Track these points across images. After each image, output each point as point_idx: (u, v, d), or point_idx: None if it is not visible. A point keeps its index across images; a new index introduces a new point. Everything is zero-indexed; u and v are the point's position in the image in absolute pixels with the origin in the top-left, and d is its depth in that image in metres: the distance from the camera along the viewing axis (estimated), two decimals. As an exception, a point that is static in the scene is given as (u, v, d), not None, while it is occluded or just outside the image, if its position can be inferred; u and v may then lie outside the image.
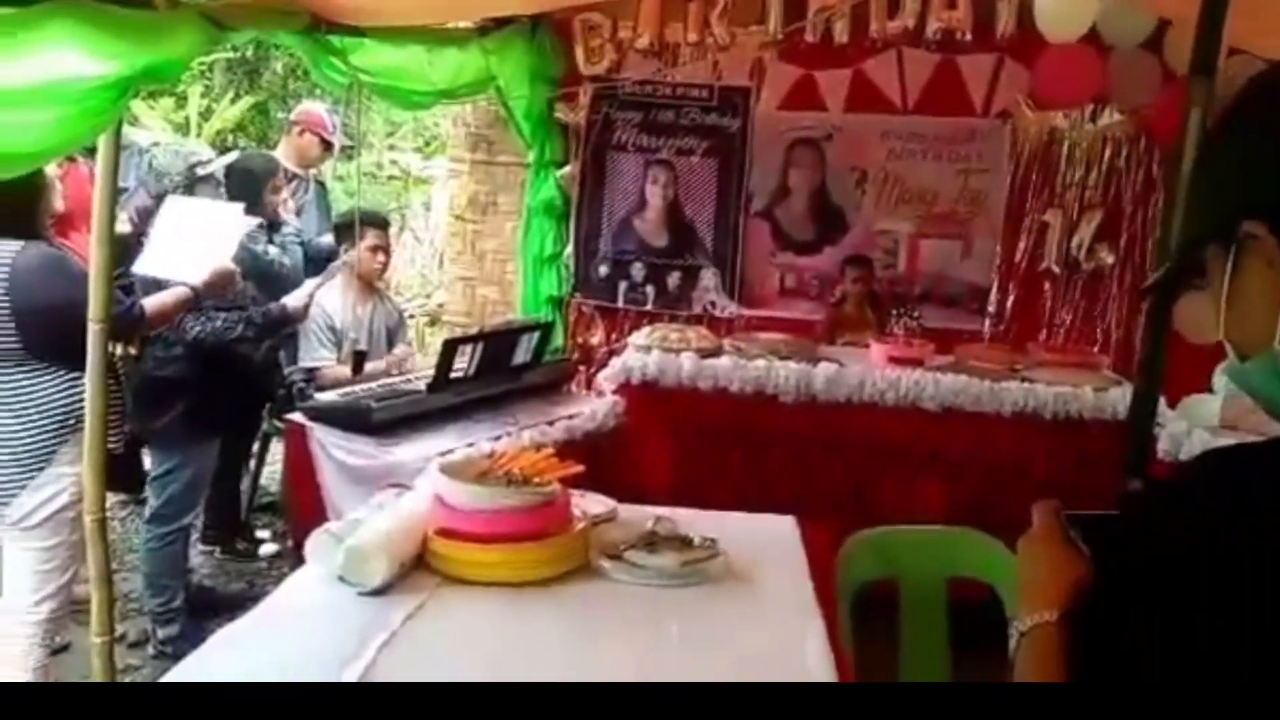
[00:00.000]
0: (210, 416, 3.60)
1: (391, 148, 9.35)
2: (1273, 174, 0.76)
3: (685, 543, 2.03)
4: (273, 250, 3.94)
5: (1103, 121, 4.67)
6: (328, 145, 4.83)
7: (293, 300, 3.73)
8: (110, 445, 2.77)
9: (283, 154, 4.72)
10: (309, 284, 3.83)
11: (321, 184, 5.09)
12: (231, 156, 3.92)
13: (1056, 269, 4.74)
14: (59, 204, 3.08)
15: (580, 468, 2.13)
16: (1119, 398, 3.57)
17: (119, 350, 3.30)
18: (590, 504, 2.21)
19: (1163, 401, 3.27)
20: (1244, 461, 0.75)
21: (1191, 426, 3.43)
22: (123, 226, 3.55)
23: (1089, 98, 4.54)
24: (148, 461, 3.75)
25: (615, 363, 3.90)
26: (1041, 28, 4.36)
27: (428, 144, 9.43)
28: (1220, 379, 3.79)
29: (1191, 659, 0.69)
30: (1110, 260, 4.67)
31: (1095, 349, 4.54)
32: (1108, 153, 4.67)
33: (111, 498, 3.43)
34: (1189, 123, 2.53)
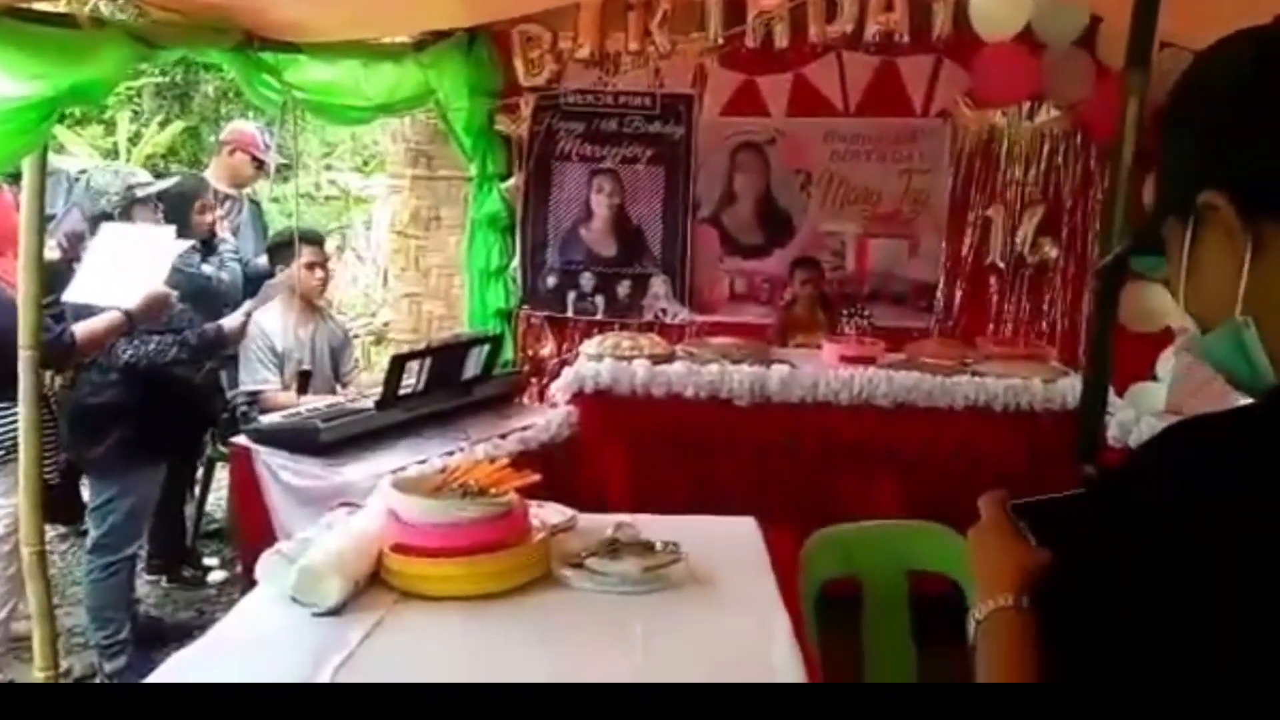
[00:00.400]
0: (149, 443, 3.50)
1: (329, 167, 9.23)
2: (1228, 144, 0.76)
3: (647, 548, 2.00)
4: (208, 269, 3.85)
5: (1040, 119, 4.75)
6: (260, 164, 4.73)
7: (229, 321, 3.66)
8: (45, 475, 2.68)
9: (214, 174, 4.62)
10: (245, 305, 3.75)
11: (256, 203, 4.99)
12: (169, 180, 3.82)
13: (1001, 264, 4.80)
14: (-18, 230, 2.99)
15: (537, 477, 2.09)
16: (1067, 388, 3.61)
17: (51, 380, 3.21)
18: (549, 513, 2.18)
19: (1110, 390, 3.32)
20: (1209, 431, 0.74)
21: (1139, 414, 3.48)
22: (52, 253, 3.46)
23: (1025, 95, 4.61)
24: (86, 492, 3.64)
25: (567, 372, 3.86)
26: (977, 27, 4.42)
27: (366, 163, 9.32)
28: (1165, 366, 3.86)
29: (1164, 636, 0.68)
30: (1053, 254, 4.74)
31: (1042, 341, 4.60)
32: (1046, 149, 4.74)
33: (50, 530, 3.32)
34: (1127, 112, 2.58)
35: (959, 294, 4.87)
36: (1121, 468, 0.79)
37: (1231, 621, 0.65)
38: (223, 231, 4.07)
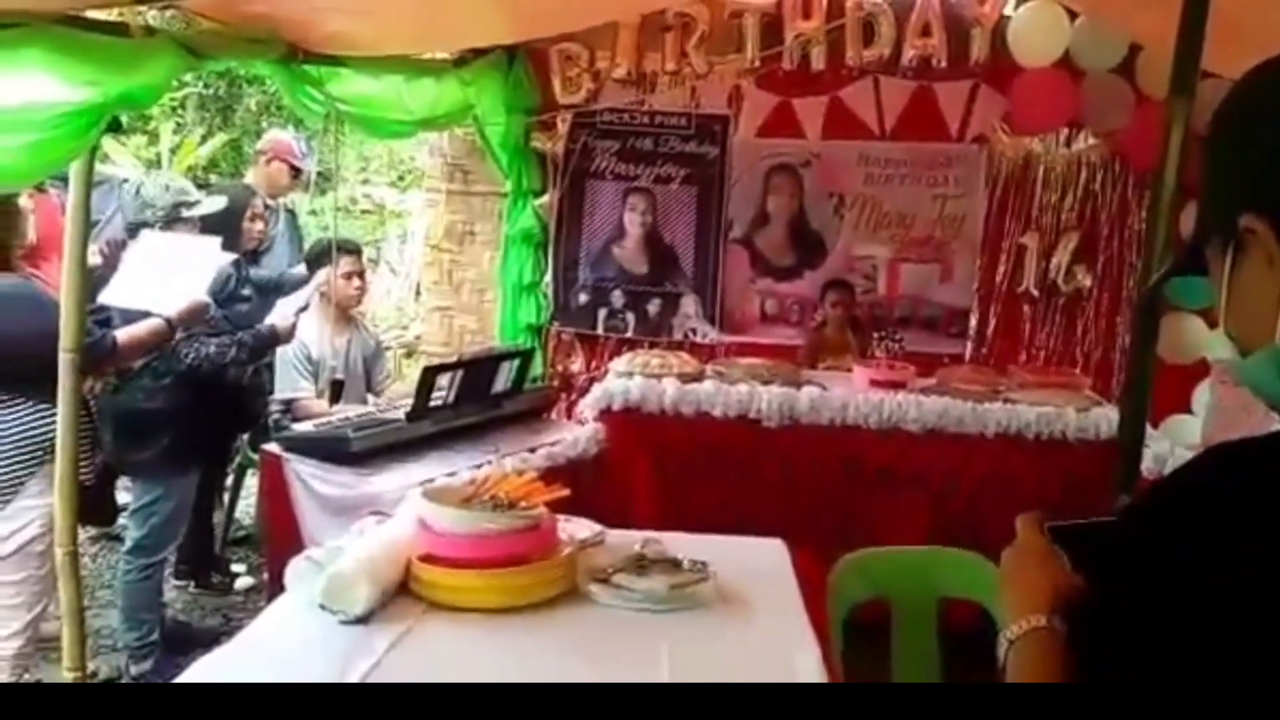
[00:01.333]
0: (194, 446, 3.55)
1: (365, 182, 9.34)
2: (1269, 168, 0.76)
3: (675, 566, 2.00)
4: (250, 281, 3.88)
5: (1077, 146, 4.73)
6: (297, 173, 4.79)
7: (280, 320, 3.68)
8: (81, 477, 2.71)
9: (252, 183, 4.69)
10: (289, 303, 3.77)
11: (292, 213, 5.05)
12: (218, 202, 3.82)
13: (1035, 291, 4.76)
14: (30, 234, 3.04)
15: (566, 491, 2.09)
16: (1101, 417, 3.57)
17: (91, 383, 3.25)
18: (577, 528, 2.17)
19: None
20: (1245, 455, 0.74)
21: (1174, 445, 3.44)
22: (93, 258, 3.50)
23: (1063, 122, 4.59)
24: (122, 494, 3.68)
25: (596, 389, 3.87)
26: (1015, 54, 4.42)
27: (401, 178, 9.41)
28: (1201, 398, 3.81)
29: (1195, 665, 0.67)
30: (1088, 282, 4.71)
31: (1075, 370, 4.56)
32: (1083, 176, 4.72)
33: (83, 532, 3.36)
34: (1170, 141, 2.57)
35: (992, 320, 4.84)
36: (1158, 492, 0.79)
37: (1263, 652, 0.65)
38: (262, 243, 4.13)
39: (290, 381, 3.75)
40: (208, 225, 3.67)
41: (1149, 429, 3.43)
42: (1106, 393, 4.12)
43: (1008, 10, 4.53)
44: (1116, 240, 4.70)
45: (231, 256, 3.63)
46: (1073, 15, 4.33)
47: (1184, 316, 3.78)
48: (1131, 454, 2.71)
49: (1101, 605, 0.84)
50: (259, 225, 4.05)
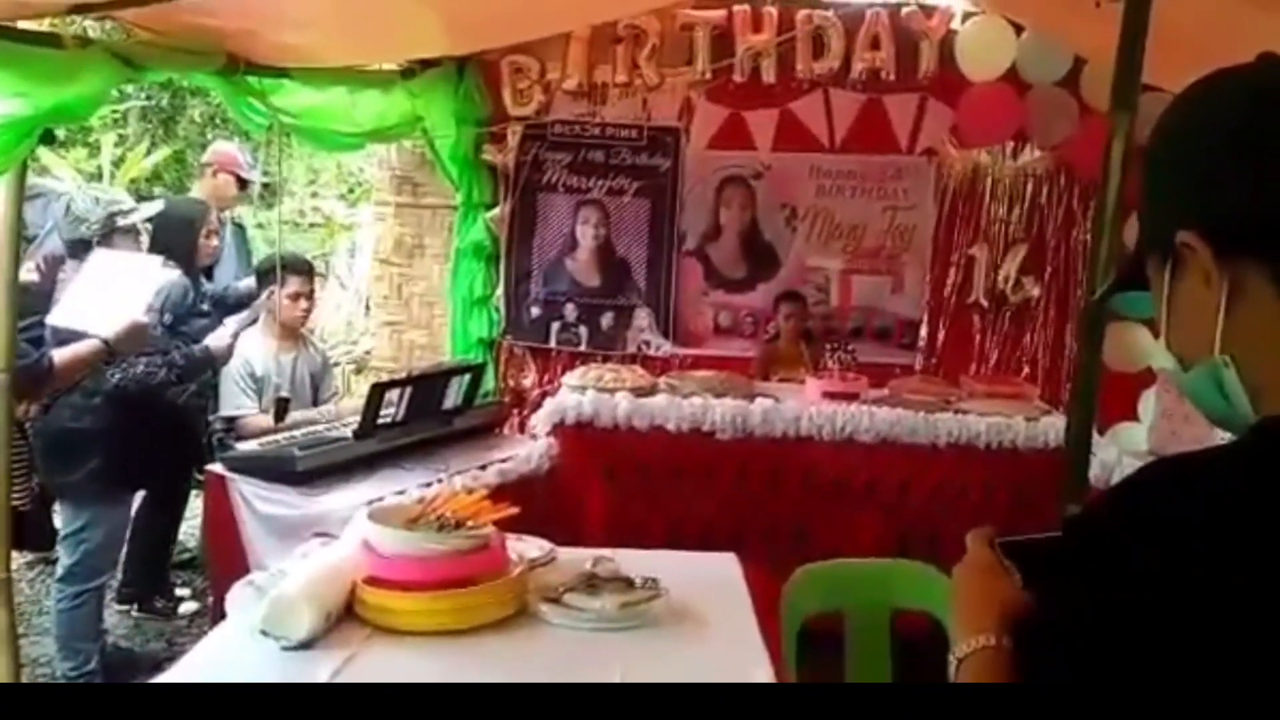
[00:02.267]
0: (127, 470, 3.45)
1: (314, 194, 9.20)
2: (1205, 185, 0.76)
3: (626, 583, 1.97)
4: (209, 297, 3.81)
5: (1024, 158, 4.79)
6: (243, 184, 4.70)
7: (215, 341, 3.60)
8: (15, 501, 2.63)
9: (197, 196, 4.60)
10: (230, 324, 3.70)
11: (239, 226, 4.95)
12: (156, 206, 3.76)
13: (984, 302, 4.82)
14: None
15: (514, 510, 2.06)
16: (1050, 426, 3.61)
17: (25, 405, 3.15)
18: (527, 547, 2.14)
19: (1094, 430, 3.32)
20: (1194, 469, 0.73)
21: (1121, 453, 3.48)
22: (29, 275, 3.41)
23: (1010, 135, 4.66)
24: (58, 518, 3.57)
25: (549, 404, 3.83)
26: (962, 67, 4.47)
27: (351, 190, 9.29)
28: (1147, 406, 3.86)
29: (1134, 680, 0.67)
30: (1036, 292, 4.77)
31: (1025, 379, 4.61)
32: (1030, 188, 4.79)
33: (19, 557, 3.26)
34: (1111, 155, 2.60)
35: (942, 331, 4.88)
36: (1101, 507, 0.78)
37: (1204, 662, 0.64)
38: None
39: (233, 400, 3.66)
40: (162, 243, 3.59)
41: (1096, 437, 3.48)
42: (1055, 401, 4.17)
43: (955, 24, 4.59)
44: (1063, 251, 4.77)
45: (177, 273, 3.55)
46: (1019, 29, 4.39)
47: (1130, 326, 3.83)
48: (1079, 462, 2.73)
49: (1045, 624, 0.83)
50: (214, 241, 3.97)
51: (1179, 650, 0.65)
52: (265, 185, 5.35)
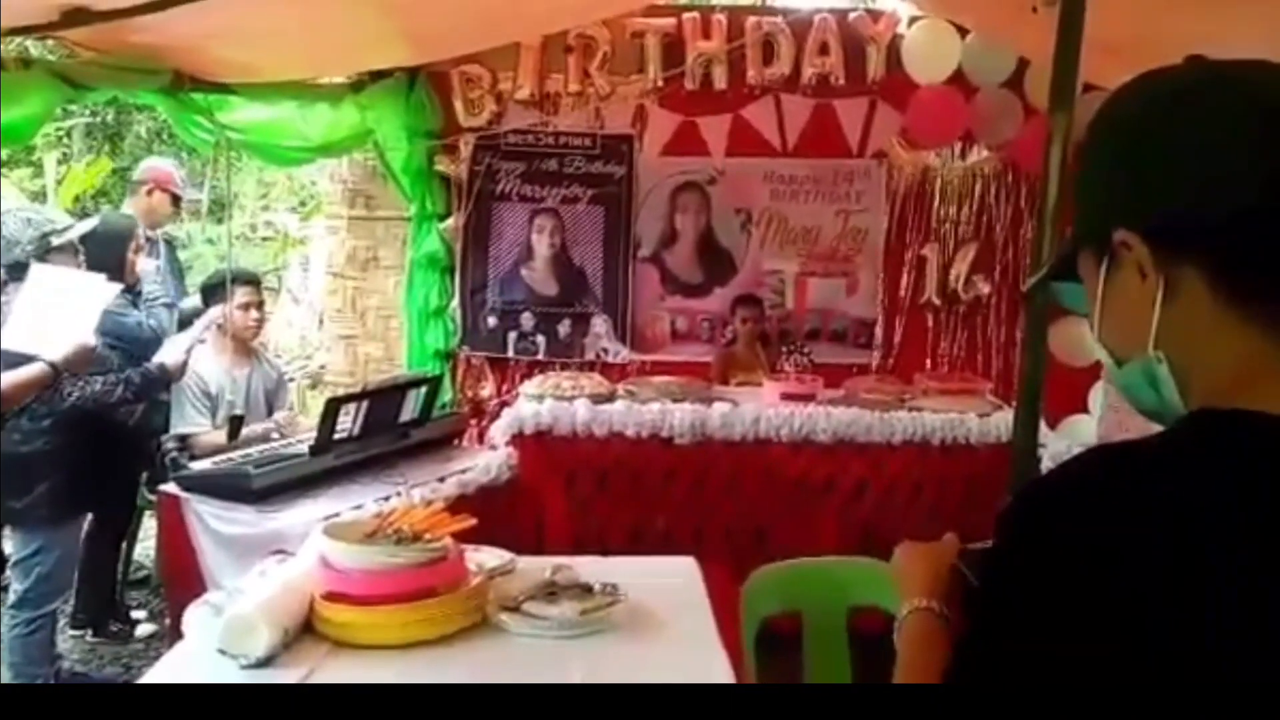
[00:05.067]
0: (80, 492, 3.39)
1: (265, 208, 9.11)
2: (1142, 185, 0.77)
3: (586, 590, 1.97)
4: (135, 315, 3.73)
5: (972, 159, 4.87)
6: (177, 201, 4.61)
7: (169, 358, 3.53)
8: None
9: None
10: (182, 339, 3.64)
11: (170, 244, 4.83)
12: (90, 222, 3.68)
13: (937, 301, 4.89)
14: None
15: (471, 521, 2.05)
16: (1002, 421, 3.66)
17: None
18: (485, 557, 2.14)
19: (1043, 423, 3.37)
20: (1127, 457, 0.75)
21: (1071, 446, 3.54)
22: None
23: (957, 136, 4.73)
24: (7, 544, 3.50)
25: (507, 413, 3.82)
26: (910, 70, 4.54)
27: (303, 203, 9.21)
28: (1096, 398, 3.94)
29: (1076, 659, 0.68)
30: (987, 290, 4.85)
31: (978, 375, 4.67)
32: (978, 188, 4.87)
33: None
34: (1050, 156, 2.65)
35: (897, 331, 4.94)
36: (1034, 493, 0.79)
37: (1122, 630, 0.66)
38: (147, 277, 3.95)
39: (186, 417, 3.62)
40: (94, 260, 3.52)
41: (1047, 430, 3.54)
42: (1008, 397, 4.22)
43: (901, 29, 4.66)
44: (1012, 248, 4.86)
45: (119, 287, 3.49)
46: (963, 32, 4.47)
47: (1078, 321, 3.90)
48: (1026, 455, 2.78)
49: (976, 591, 0.86)
50: (141, 257, 3.90)
51: (1099, 617, 0.67)
52: (213, 201, 5.27)
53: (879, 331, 4.96)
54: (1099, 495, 0.72)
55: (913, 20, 4.63)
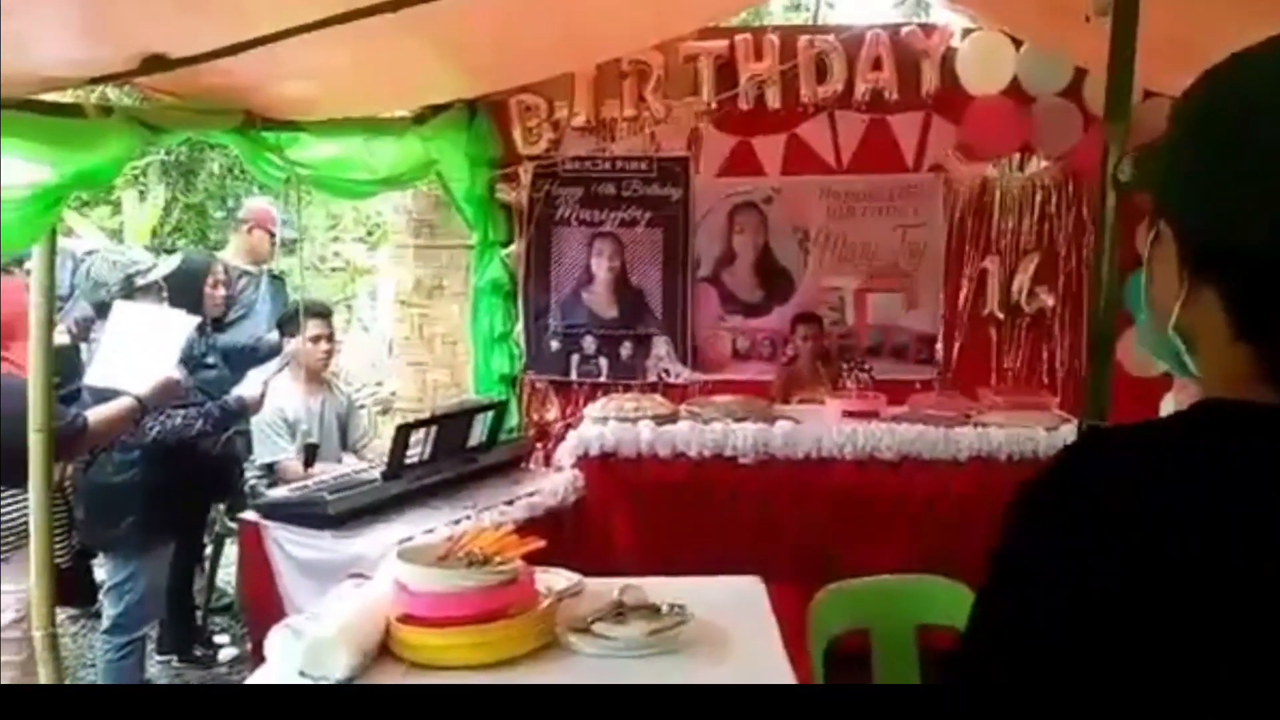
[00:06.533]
0: (165, 520, 3.52)
1: (335, 239, 9.32)
2: (1185, 191, 0.77)
3: (653, 611, 2.00)
4: (217, 349, 3.87)
5: (1031, 169, 4.83)
6: (273, 238, 4.81)
7: (248, 390, 3.67)
8: (56, 559, 2.70)
9: (233, 252, 4.71)
10: (259, 373, 3.78)
11: (277, 278, 5.03)
12: (172, 261, 3.85)
13: (999, 313, 4.84)
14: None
15: (541, 543, 2.10)
16: (1070, 435, 3.61)
17: (62, 465, 3.22)
18: (555, 579, 2.18)
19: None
20: (1118, 441, 0.77)
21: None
22: (61, 337, 3.49)
23: (1015, 147, 4.69)
24: (99, 572, 3.65)
25: (572, 436, 3.88)
26: (964, 82, 4.52)
27: (370, 233, 9.41)
28: (1166, 409, 3.86)
29: (1076, 659, 0.70)
30: (1050, 301, 4.79)
31: (1043, 389, 4.61)
32: (1038, 198, 4.81)
33: (62, 612, 3.33)
34: (1107, 167, 2.62)
35: (958, 345, 4.90)
36: (1036, 482, 0.81)
37: (1120, 638, 0.68)
38: (227, 310, 4.12)
39: (269, 446, 3.73)
40: (174, 289, 3.67)
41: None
42: (1076, 410, 4.17)
43: (955, 41, 4.64)
44: (1075, 259, 4.79)
45: (198, 320, 3.63)
46: (1018, 43, 4.44)
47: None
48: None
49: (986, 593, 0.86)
50: (221, 292, 4.06)
51: (1099, 617, 0.69)
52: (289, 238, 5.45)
53: (940, 346, 4.92)
54: (1099, 492, 0.73)
55: (966, 32, 4.61)
